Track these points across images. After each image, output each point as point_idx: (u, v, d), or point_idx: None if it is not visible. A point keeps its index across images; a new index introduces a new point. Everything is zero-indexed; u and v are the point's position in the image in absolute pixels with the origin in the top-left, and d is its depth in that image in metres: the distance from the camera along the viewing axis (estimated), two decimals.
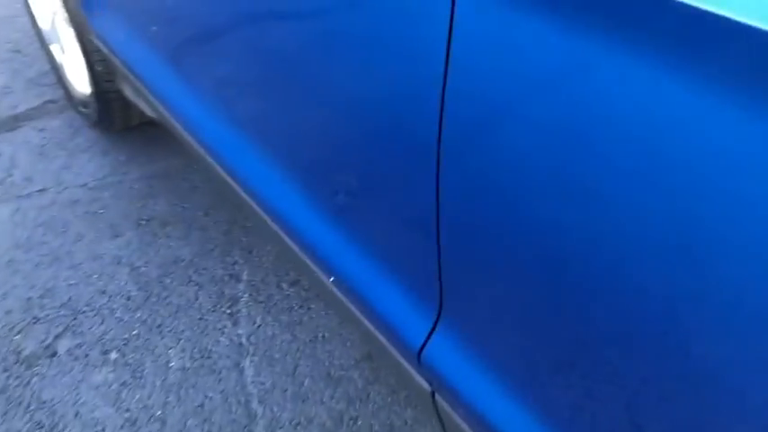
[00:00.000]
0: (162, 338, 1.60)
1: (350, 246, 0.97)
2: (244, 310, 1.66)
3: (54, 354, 1.57)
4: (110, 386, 1.50)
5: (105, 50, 1.74)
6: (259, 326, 1.62)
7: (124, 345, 1.59)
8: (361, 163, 0.89)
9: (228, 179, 1.31)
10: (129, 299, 1.70)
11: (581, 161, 0.58)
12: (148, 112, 1.75)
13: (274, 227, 1.19)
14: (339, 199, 0.97)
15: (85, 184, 2.06)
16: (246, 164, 1.22)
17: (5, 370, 1.53)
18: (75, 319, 1.65)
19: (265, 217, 1.20)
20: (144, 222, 1.93)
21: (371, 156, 0.86)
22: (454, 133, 0.68)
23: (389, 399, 1.46)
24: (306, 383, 1.49)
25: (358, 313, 0.99)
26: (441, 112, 0.67)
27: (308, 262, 1.10)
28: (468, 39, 0.63)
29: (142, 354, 1.56)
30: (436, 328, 0.82)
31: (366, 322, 0.97)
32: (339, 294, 1.03)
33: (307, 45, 0.92)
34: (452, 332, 0.80)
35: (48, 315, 1.65)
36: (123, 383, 1.50)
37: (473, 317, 0.78)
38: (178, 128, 1.50)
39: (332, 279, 1.02)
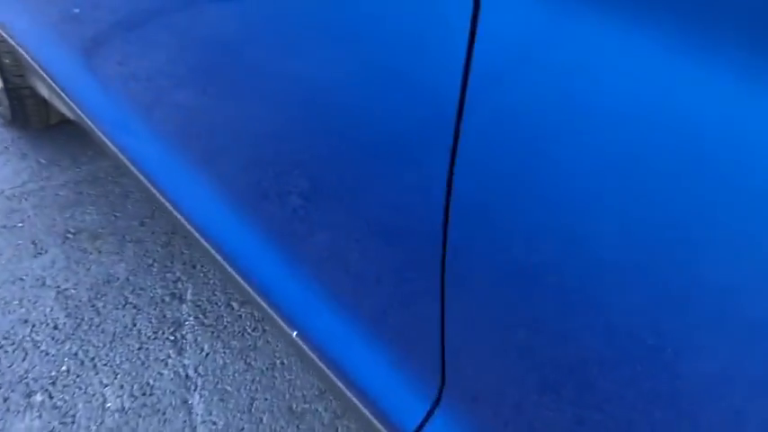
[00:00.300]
0: (96, 374, 1.40)
1: (324, 301, 0.80)
2: (189, 336, 1.47)
3: None
4: None
5: (10, 41, 1.49)
6: (207, 354, 1.43)
7: (51, 384, 1.38)
8: (343, 194, 0.72)
9: (167, 204, 1.12)
10: (56, 328, 1.48)
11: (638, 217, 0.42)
12: (65, 111, 1.52)
13: (221, 260, 1.00)
14: (311, 245, 0.79)
15: (1, 192, 1.81)
16: (185, 188, 1.03)
17: None
18: None
19: (209, 247, 1.02)
20: (71, 236, 1.70)
21: (357, 185, 0.69)
22: (473, 165, 0.51)
23: None
24: (264, 420, 1.32)
25: (332, 376, 0.82)
26: (455, 142, 0.51)
27: (264, 305, 0.92)
28: (497, 38, 0.47)
29: (73, 394, 1.36)
30: (436, 410, 0.66)
31: (342, 387, 0.81)
32: (307, 350, 0.85)
33: (277, 34, 0.74)
34: (456, 415, 0.64)
35: None
36: (52, 431, 1.30)
37: (482, 399, 0.62)
38: (98, 134, 1.28)
39: (295, 333, 0.85)
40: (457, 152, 0.52)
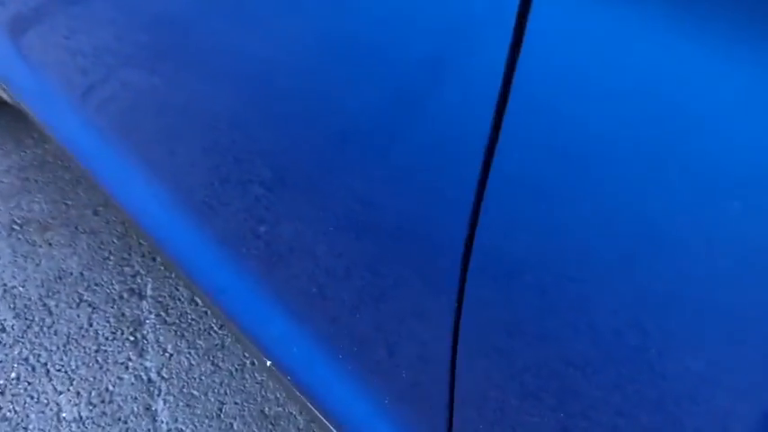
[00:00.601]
0: (49, 381, 1.29)
1: (310, 342, 0.71)
2: (151, 336, 1.37)
3: None
4: None
5: None
6: (171, 355, 1.34)
7: (0, 393, 1.27)
8: (337, 223, 0.62)
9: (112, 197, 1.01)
10: (3, 331, 1.37)
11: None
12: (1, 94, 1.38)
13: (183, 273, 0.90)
14: (302, 282, 0.70)
15: None
16: (130, 182, 0.92)
17: None
18: None
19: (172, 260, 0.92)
20: (17, 228, 1.57)
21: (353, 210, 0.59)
22: (504, 201, 0.43)
23: None
24: (235, 426, 1.23)
25: (313, 409, 0.74)
26: (484, 170, 0.42)
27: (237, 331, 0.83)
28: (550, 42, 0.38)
29: (24, 403, 1.25)
30: None
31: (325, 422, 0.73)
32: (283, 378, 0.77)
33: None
34: None
35: None
36: None
37: None
38: (38, 119, 1.16)
39: (270, 363, 0.76)
40: (494, 156, 0.43)
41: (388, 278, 0.57)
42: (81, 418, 1.24)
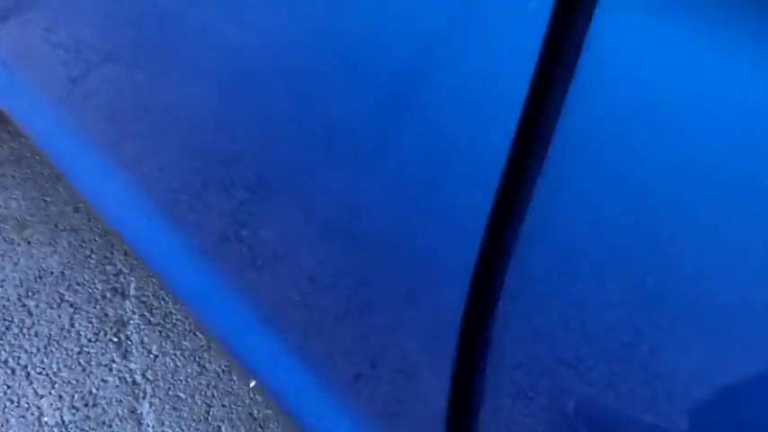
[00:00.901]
0: (30, 384, 1.25)
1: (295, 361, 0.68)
2: (135, 337, 1.34)
3: None
4: None
5: None
6: (156, 356, 1.30)
7: None
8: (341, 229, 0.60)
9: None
10: None
11: None
12: None
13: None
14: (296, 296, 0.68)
15: None
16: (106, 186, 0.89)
17: None
18: None
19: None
20: None
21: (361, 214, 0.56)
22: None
23: None
24: (223, 429, 1.21)
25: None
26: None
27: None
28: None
29: (4, 408, 1.22)
30: None
31: None
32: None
33: None
34: None
35: None
36: None
37: None
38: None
39: (253, 384, 0.74)
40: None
41: (395, 290, 0.55)
42: (64, 422, 1.20)
